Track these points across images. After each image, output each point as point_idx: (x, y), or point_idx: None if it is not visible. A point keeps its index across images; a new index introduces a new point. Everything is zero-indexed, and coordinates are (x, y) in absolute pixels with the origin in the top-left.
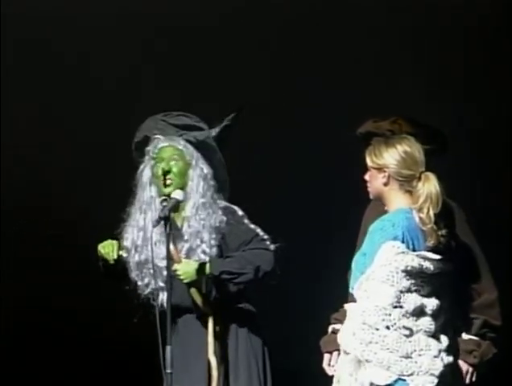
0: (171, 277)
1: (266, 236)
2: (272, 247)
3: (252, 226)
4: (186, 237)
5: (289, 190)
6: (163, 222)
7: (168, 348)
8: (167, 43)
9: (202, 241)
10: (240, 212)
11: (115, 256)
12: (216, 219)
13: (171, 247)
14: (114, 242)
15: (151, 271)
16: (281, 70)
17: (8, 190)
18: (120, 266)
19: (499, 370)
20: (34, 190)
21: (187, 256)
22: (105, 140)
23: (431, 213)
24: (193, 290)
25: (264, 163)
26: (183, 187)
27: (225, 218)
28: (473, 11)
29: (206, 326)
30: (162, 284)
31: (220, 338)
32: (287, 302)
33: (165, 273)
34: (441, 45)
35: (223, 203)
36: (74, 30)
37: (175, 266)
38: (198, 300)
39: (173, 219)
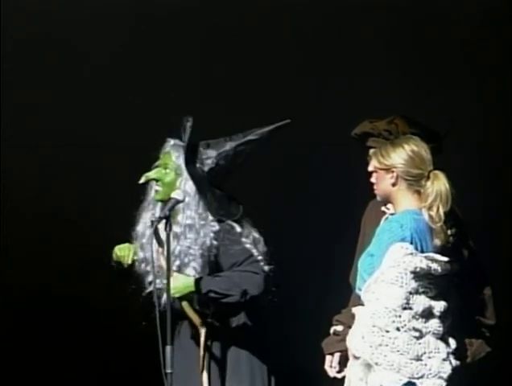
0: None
1: (260, 257)
2: (266, 268)
3: (248, 245)
4: (176, 253)
5: (290, 191)
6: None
7: (168, 348)
8: (167, 45)
9: (193, 259)
10: (238, 229)
11: (129, 261)
12: (206, 243)
13: (163, 262)
14: (131, 246)
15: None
16: (280, 70)
17: (8, 191)
18: (133, 270)
19: (501, 370)
20: (36, 189)
21: (179, 271)
22: (107, 140)
23: (441, 211)
24: (185, 303)
25: (264, 163)
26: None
27: (215, 243)
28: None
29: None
30: (163, 285)
31: (214, 351)
32: (289, 304)
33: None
34: (441, 45)
35: (217, 227)
36: (73, 31)
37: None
38: (190, 313)
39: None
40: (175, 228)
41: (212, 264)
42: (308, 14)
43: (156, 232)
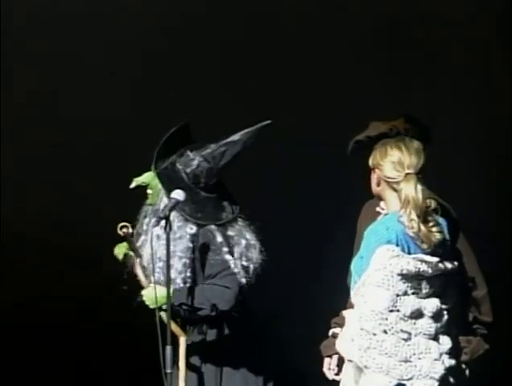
0: (171, 279)
1: (236, 269)
2: (243, 281)
3: (227, 256)
4: (159, 255)
5: (289, 191)
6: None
7: (168, 348)
8: (168, 46)
9: (173, 261)
10: (219, 239)
11: (120, 259)
12: (183, 239)
13: (139, 273)
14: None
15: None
16: (281, 70)
17: (8, 193)
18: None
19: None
20: (35, 189)
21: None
22: (107, 140)
23: (414, 216)
24: (163, 313)
25: (264, 163)
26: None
27: (191, 245)
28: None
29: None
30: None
31: (206, 360)
32: (287, 305)
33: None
34: (441, 44)
35: (194, 229)
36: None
37: (142, 292)
38: (169, 323)
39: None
40: (157, 230)
41: (195, 269)
42: (309, 14)
43: (130, 241)
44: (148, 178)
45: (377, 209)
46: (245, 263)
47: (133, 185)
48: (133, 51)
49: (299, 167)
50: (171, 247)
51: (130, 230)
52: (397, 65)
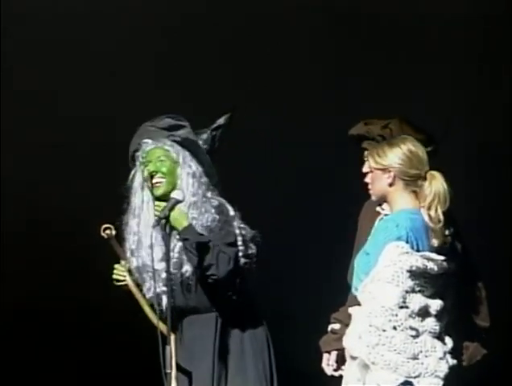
0: (171, 280)
1: (241, 247)
2: (242, 261)
3: (237, 231)
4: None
5: (289, 190)
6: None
7: (168, 348)
8: (168, 45)
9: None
10: (231, 212)
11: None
12: (209, 219)
13: (128, 277)
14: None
15: (150, 275)
16: (280, 70)
17: (8, 193)
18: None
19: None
20: (35, 189)
21: (180, 256)
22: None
23: (440, 212)
24: (147, 310)
25: (264, 163)
26: (173, 187)
27: (217, 217)
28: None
29: (211, 327)
30: (164, 288)
31: (218, 348)
32: (290, 304)
33: (163, 275)
34: (441, 44)
35: (216, 202)
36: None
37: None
38: (154, 319)
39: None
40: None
41: None
42: (309, 14)
43: (114, 242)
44: (154, 166)
45: (377, 209)
46: (248, 237)
47: (145, 174)
48: (133, 51)
49: (299, 167)
50: (197, 221)
51: (114, 232)
52: (397, 65)
